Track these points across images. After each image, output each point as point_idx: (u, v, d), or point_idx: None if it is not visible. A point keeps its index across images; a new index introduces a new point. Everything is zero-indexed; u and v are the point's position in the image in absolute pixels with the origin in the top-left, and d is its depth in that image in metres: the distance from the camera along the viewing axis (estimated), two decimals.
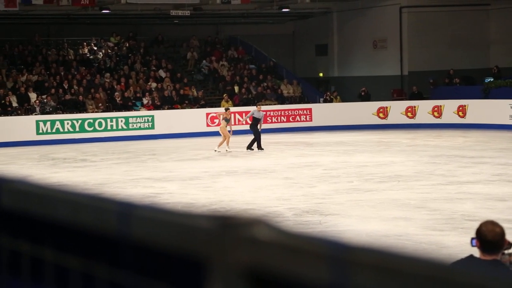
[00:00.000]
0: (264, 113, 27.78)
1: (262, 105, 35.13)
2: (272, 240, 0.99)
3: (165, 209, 1.13)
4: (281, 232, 1.00)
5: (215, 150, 25.34)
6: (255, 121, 26.30)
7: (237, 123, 32.13)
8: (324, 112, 35.14)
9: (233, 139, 26.39)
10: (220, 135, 25.96)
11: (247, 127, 27.25)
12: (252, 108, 34.31)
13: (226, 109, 26.78)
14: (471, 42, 38.85)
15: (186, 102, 34.95)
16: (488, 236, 4.64)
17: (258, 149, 26.12)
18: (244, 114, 32.59)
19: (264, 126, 33.39)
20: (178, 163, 22.43)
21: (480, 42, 39.14)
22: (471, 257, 4.71)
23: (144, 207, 1.16)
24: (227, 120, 25.79)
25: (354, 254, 0.92)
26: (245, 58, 40.34)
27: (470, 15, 38.56)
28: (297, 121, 34.60)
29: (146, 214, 1.15)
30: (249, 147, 26.10)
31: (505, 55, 38.52)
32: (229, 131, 25.72)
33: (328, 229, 12.21)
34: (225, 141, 25.52)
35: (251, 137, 26.38)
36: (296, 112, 34.81)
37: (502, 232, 4.69)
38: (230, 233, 1.03)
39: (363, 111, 35.06)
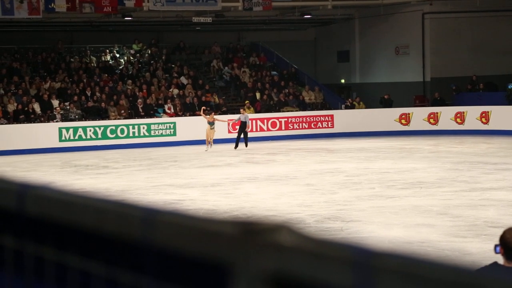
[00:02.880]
0: (249, 115, 30.20)
1: (284, 111, 35.20)
2: (295, 246, 0.99)
3: (189, 215, 1.13)
4: (304, 238, 0.99)
5: (205, 150, 28.26)
6: (243, 125, 29.02)
7: (258, 129, 32.36)
8: (345, 118, 35.08)
9: (251, 145, 27.29)
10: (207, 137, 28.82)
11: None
12: (273, 114, 34.44)
13: (210, 114, 29.45)
14: (494, 48, 38.61)
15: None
16: None
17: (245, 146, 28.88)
18: (265, 120, 32.73)
19: (286, 132, 33.48)
20: (200, 170, 22.47)
21: (503, 48, 38.88)
22: (495, 264, 4.67)
23: (168, 213, 1.17)
24: (211, 124, 28.57)
25: (379, 259, 0.92)
26: (267, 64, 40.34)
27: (492, 21, 38.32)
28: (319, 127, 34.55)
29: (169, 220, 1.15)
30: (246, 145, 28.87)
31: None
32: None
33: (350, 235, 12.17)
34: (207, 140, 28.58)
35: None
36: (318, 119, 34.77)
37: None
38: (254, 239, 1.02)
39: (385, 117, 34.95)
